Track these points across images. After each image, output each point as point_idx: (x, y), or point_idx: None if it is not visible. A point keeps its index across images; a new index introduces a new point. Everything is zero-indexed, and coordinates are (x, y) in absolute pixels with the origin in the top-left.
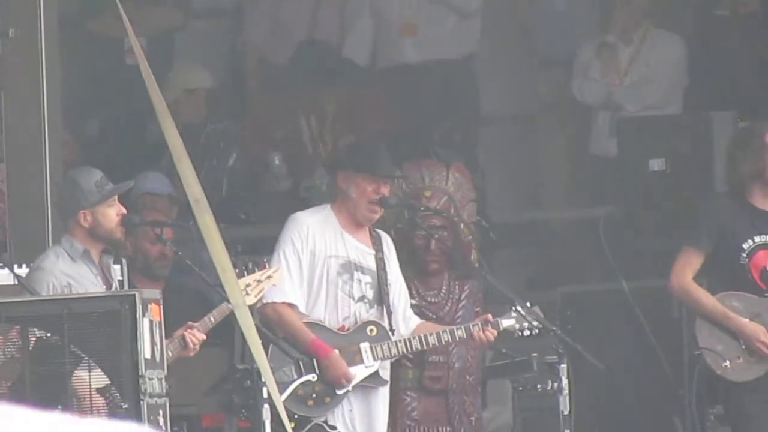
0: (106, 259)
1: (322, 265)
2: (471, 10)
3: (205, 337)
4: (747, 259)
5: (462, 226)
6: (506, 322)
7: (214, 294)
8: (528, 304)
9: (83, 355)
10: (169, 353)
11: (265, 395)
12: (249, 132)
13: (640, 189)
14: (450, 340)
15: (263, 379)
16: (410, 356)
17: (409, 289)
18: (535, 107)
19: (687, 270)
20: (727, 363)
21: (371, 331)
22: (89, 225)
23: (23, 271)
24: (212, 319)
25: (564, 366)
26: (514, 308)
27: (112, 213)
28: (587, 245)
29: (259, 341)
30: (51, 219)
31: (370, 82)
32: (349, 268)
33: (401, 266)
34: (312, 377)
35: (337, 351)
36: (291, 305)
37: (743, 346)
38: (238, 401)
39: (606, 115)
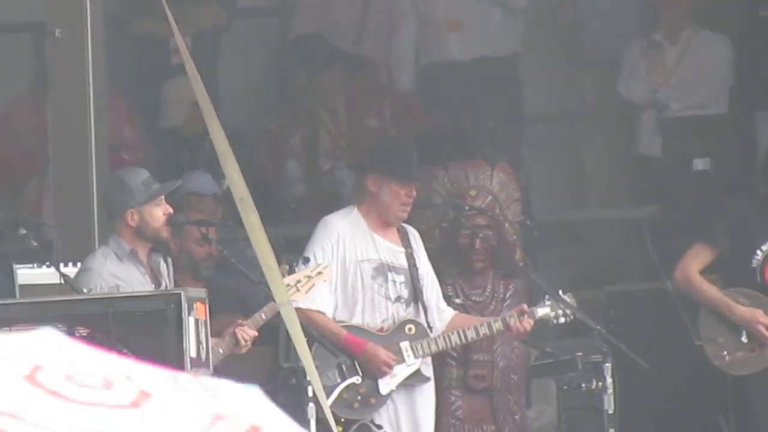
0: (155, 257)
1: (354, 271)
2: (516, 6)
3: (256, 334)
4: (760, 262)
5: (507, 225)
6: (541, 311)
7: (260, 292)
8: (560, 292)
9: (129, 354)
10: (221, 351)
11: (310, 394)
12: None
13: (685, 189)
14: (488, 333)
15: (308, 378)
16: (451, 352)
17: (454, 288)
18: (580, 106)
19: (694, 263)
20: (726, 354)
21: (410, 329)
22: (136, 224)
23: (69, 270)
24: (263, 315)
25: (608, 365)
26: (547, 297)
27: (159, 212)
28: (631, 244)
29: (305, 339)
30: (97, 219)
31: (415, 80)
32: (383, 270)
33: (447, 266)
34: (356, 380)
35: (370, 342)
36: (320, 312)
37: (744, 340)
38: (283, 400)
39: (651, 115)
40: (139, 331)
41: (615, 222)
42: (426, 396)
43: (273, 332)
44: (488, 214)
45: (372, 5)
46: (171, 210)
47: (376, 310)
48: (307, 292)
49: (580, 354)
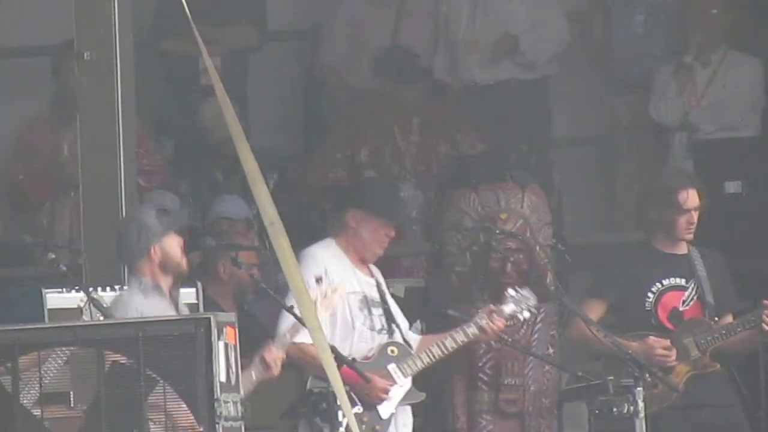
0: (175, 291)
1: (343, 304)
2: (539, 62)
3: (284, 355)
4: (653, 304)
5: (537, 248)
6: (507, 309)
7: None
8: (517, 288)
9: (158, 379)
10: (253, 376)
11: (340, 418)
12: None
13: (716, 211)
14: (465, 339)
15: (339, 403)
16: (482, 376)
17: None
18: (611, 129)
19: (589, 314)
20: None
21: (392, 351)
22: (159, 259)
23: (99, 294)
24: (287, 336)
25: (640, 389)
26: (508, 294)
27: (176, 243)
28: None
29: (335, 363)
30: None
31: (451, 102)
32: (366, 303)
33: (477, 289)
34: (358, 409)
35: (366, 372)
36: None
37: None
38: (313, 424)
39: (682, 137)
40: (169, 355)
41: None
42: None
43: None
44: (519, 238)
45: (402, 29)
46: (182, 240)
47: (362, 341)
48: (327, 311)
49: (611, 378)
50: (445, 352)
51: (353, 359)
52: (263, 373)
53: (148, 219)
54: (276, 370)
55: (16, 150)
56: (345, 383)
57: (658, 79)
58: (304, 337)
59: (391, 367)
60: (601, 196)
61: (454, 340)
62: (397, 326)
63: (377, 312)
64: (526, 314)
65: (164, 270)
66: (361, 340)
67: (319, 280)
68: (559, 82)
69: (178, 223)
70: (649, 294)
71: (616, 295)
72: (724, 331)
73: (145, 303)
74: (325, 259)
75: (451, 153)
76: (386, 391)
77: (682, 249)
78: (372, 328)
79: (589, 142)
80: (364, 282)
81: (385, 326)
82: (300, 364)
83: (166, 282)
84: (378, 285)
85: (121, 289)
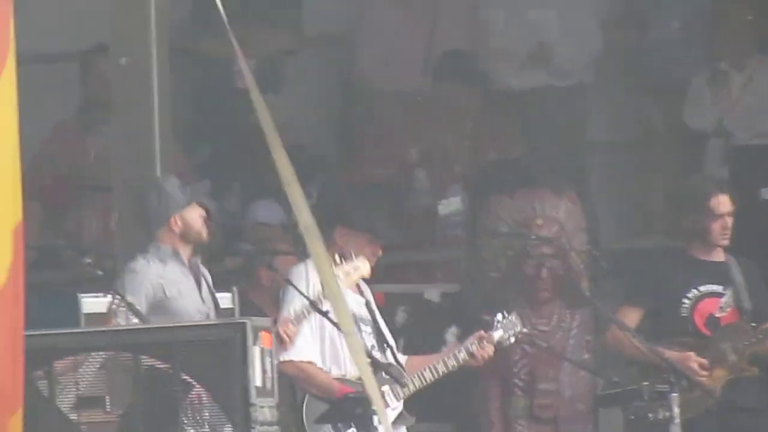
0: (195, 261)
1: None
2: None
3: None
4: (689, 310)
5: (573, 254)
6: (497, 334)
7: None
8: (505, 313)
9: (194, 383)
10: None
11: (375, 423)
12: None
13: (753, 218)
14: (456, 364)
15: (373, 407)
16: (518, 382)
17: (521, 317)
18: (647, 135)
19: (625, 320)
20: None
21: (386, 373)
22: (180, 229)
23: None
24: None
25: (675, 395)
26: (496, 320)
27: (197, 214)
28: None
29: (370, 368)
30: None
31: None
32: (356, 321)
33: (513, 295)
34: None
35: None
36: (311, 362)
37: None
38: (348, 429)
39: (717, 143)
40: (205, 360)
41: (682, 251)
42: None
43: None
44: (554, 244)
45: (436, 36)
46: (205, 212)
47: (354, 361)
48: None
49: (646, 383)
50: (437, 376)
51: (345, 379)
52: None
53: (171, 188)
54: (288, 345)
55: (43, 155)
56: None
57: (693, 85)
58: (294, 354)
59: (385, 389)
60: (636, 202)
61: (445, 365)
62: (388, 345)
63: (367, 330)
64: (512, 340)
65: (185, 239)
66: (353, 360)
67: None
68: (594, 88)
69: (201, 196)
70: (685, 300)
71: (652, 302)
72: (761, 336)
73: (164, 270)
74: (313, 278)
75: (500, 158)
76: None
77: (719, 256)
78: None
79: (624, 148)
80: (353, 300)
81: (376, 345)
82: (298, 382)
83: (185, 251)
84: (367, 303)
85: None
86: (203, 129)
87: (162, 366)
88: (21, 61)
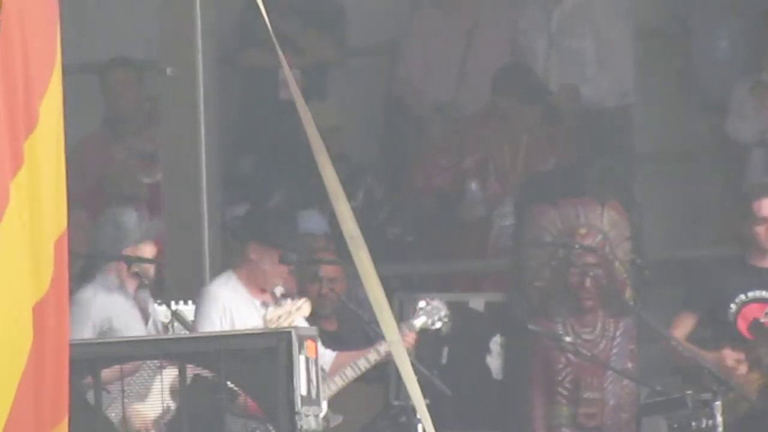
0: (142, 293)
1: None
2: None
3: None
4: (734, 315)
5: (617, 264)
6: (418, 322)
7: (369, 331)
8: (428, 299)
9: (240, 392)
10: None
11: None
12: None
13: None
14: (377, 357)
15: (418, 416)
16: (562, 391)
17: (564, 326)
18: (691, 145)
19: (678, 331)
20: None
21: None
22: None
23: (181, 307)
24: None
25: (718, 403)
26: (419, 306)
27: (149, 250)
28: None
29: (415, 377)
30: (208, 255)
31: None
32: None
33: (556, 304)
34: None
35: None
36: None
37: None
38: None
39: (760, 153)
40: (250, 368)
41: (726, 260)
42: None
43: (383, 370)
44: (598, 253)
45: (472, 50)
46: (157, 248)
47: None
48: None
49: (690, 392)
50: (359, 372)
51: None
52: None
53: (128, 221)
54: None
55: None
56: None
57: (735, 96)
58: None
59: None
60: (680, 211)
61: (367, 360)
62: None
63: None
64: (438, 324)
65: (133, 273)
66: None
67: (265, 304)
68: (640, 99)
69: (156, 233)
70: (732, 306)
71: (705, 308)
72: None
73: (110, 301)
74: (225, 296)
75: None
76: None
77: None
78: None
79: (668, 157)
80: (283, 309)
81: None
82: None
83: (132, 284)
84: (299, 309)
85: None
86: (249, 139)
87: (208, 374)
88: (67, 71)
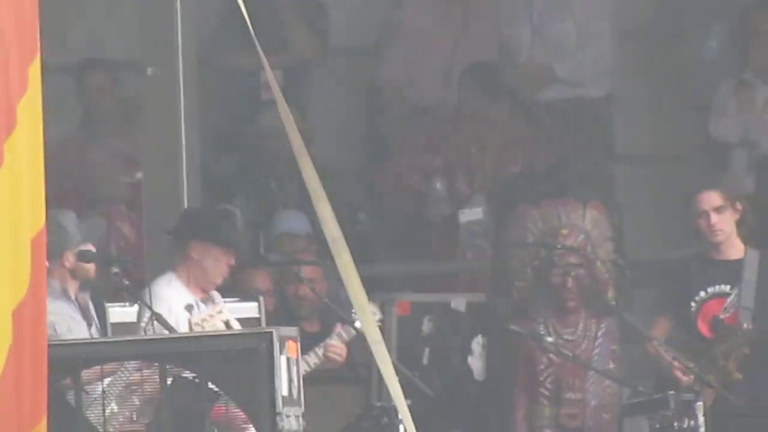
0: (83, 296)
1: None
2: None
3: (345, 349)
4: (694, 312)
5: (598, 264)
6: (357, 325)
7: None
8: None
9: (220, 393)
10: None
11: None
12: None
13: None
14: (317, 361)
15: (400, 416)
16: (544, 391)
17: (546, 326)
18: (673, 145)
19: (657, 333)
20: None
21: None
22: (71, 265)
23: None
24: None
25: (700, 404)
26: (353, 312)
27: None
28: None
29: (396, 378)
30: None
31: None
32: None
33: (538, 304)
34: None
35: None
36: None
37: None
38: None
39: (743, 153)
40: (231, 369)
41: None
42: None
43: (365, 371)
44: (580, 253)
45: (461, 47)
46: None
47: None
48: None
49: (672, 392)
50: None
51: None
52: (322, 363)
53: (68, 224)
54: (341, 360)
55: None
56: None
57: (718, 95)
58: None
59: None
60: (662, 211)
61: (306, 363)
62: None
63: None
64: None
65: (74, 276)
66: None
67: (190, 307)
68: (620, 97)
69: (97, 234)
70: (692, 304)
71: (675, 309)
72: (742, 340)
73: (53, 306)
74: (169, 297)
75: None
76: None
77: (736, 254)
78: None
79: (649, 157)
80: (206, 312)
81: None
82: None
83: (74, 287)
84: (221, 312)
85: None
86: (229, 139)
87: (188, 375)
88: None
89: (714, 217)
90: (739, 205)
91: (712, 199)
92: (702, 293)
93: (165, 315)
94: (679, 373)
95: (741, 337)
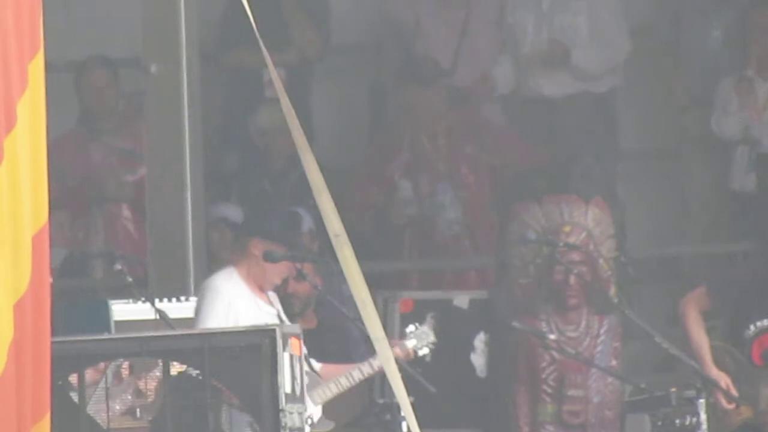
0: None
1: None
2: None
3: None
4: (751, 337)
5: (601, 261)
6: (410, 343)
7: (354, 329)
8: (418, 324)
9: (224, 389)
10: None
11: (404, 430)
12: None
13: None
14: (371, 371)
15: (403, 413)
16: (546, 389)
17: (548, 324)
18: (675, 141)
19: (692, 302)
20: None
21: None
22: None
23: (164, 305)
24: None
25: (702, 401)
26: (408, 331)
27: None
28: None
29: (399, 375)
30: (192, 253)
31: (511, 113)
32: None
33: (541, 302)
34: None
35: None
36: None
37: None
38: None
39: (744, 150)
40: (235, 366)
41: (711, 257)
42: None
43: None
44: (582, 250)
45: (467, 38)
46: None
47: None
48: None
49: (674, 390)
50: (353, 383)
51: None
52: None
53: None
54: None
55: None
56: None
57: (720, 92)
58: None
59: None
60: (665, 208)
61: (360, 372)
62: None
63: None
64: (425, 351)
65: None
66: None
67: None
68: (623, 94)
69: None
70: (751, 326)
71: (719, 303)
72: None
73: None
74: (229, 291)
75: (479, 155)
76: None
77: None
78: None
79: (652, 154)
80: (265, 312)
81: None
82: None
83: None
84: (278, 313)
85: (186, 299)
86: (233, 136)
87: (192, 372)
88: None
89: None
90: None
91: None
92: (766, 321)
93: (224, 309)
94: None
95: None
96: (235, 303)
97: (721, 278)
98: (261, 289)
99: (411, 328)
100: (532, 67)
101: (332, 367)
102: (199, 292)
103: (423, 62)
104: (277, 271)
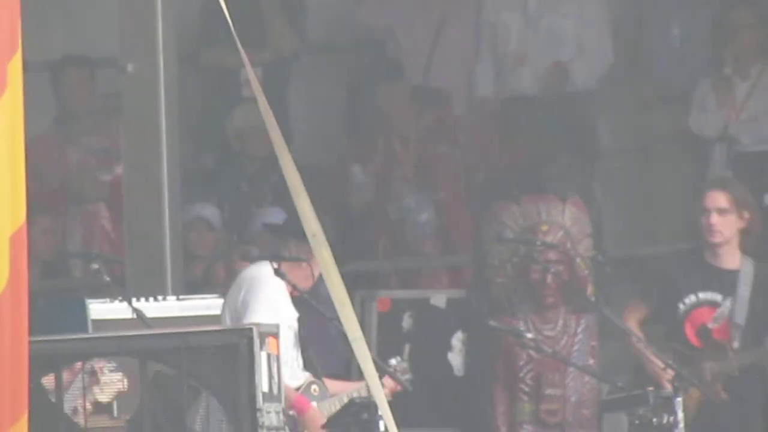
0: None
1: (285, 334)
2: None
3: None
4: (682, 316)
5: (578, 260)
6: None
7: (332, 328)
8: (399, 358)
9: (201, 389)
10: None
11: (381, 429)
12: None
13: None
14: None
15: (380, 412)
16: (524, 387)
17: (526, 323)
18: (652, 141)
19: (631, 317)
20: None
21: (314, 390)
22: None
23: (141, 305)
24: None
25: (679, 399)
26: (393, 364)
27: None
28: None
29: (377, 375)
30: (170, 253)
31: (488, 113)
32: (295, 338)
33: (518, 300)
34: None
35: (313, 406)
36: None
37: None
38: None
39: (722, 149)
40: (212, 365)
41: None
42: None
43: (345, 367)
44: (560, 249)
45: (442, 38)
46: None
47: (293, 379)
48: None
49: (651, 388)
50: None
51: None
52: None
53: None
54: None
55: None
56: (291, 408)
57: (698, 91)
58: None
59: (313, 406)
60: (641, 208)
61: (363, 392)
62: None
63: (300, 347)
64: (405, 385)
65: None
66: (292, 378)
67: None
68: (600, 95)
69: None
70: (680, 305)
71: (655, 303)
72: (733, 359)
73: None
74: (274, 284)
75: (452, 154)
76: (324, 428)
77: (732, 264)
78: (300, 365)
79: (630, 153)
80: (293, 316)
81: (303, 360)
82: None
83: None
84: (299, 318)
85: (164, 299)
86: (210, 136)
87: (169, 371)
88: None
89: (714, 217)
90: (746, 214)
91: (717, 199)
92: (692, 297)
93: (267, 301)
94: (658, 369)
95: (732, 359)
96: (276, 297)
97: (647, 284)
98: (294, 288)
99: (393, 362)
100: (514, 67)
101: (338, 384)
102: (251, 284)
103: (394, 64)
104: (309, 274)
